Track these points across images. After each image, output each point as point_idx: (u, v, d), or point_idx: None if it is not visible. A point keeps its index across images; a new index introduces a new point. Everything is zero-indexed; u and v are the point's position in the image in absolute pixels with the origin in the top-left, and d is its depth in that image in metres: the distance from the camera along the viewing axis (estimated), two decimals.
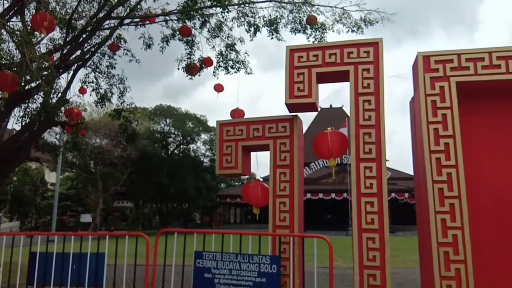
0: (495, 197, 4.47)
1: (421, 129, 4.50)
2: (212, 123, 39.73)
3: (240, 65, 11.37)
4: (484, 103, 4.69)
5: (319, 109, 5.27)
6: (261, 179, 5.59)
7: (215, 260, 4.92)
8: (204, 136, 41.38)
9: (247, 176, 6.88)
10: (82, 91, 10.92)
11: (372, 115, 4.65)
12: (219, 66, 11.38)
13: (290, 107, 5.07)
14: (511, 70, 4.36)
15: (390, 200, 30.60)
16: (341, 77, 4.96)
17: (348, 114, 4.85)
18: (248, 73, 11.57)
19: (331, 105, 44.71)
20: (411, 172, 5.47)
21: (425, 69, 4.56)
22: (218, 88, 11.37)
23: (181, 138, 40.34)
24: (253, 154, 5.79)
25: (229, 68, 11.35)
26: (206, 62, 10.98)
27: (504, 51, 4.41)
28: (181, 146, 41.43)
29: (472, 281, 4.04)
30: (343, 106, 42.41)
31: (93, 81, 11.07)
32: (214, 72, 11.41)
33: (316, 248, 4.76)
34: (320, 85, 5.14)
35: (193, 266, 5.04)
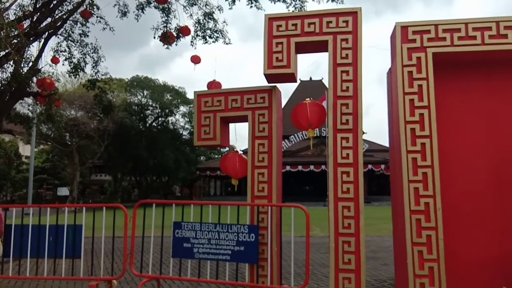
0: (466, 166, 4.62)
1: (397, 100, 4.55)
2: (191, 95, 39.10)
3: (218, 35, 11.13)
4: (459, 74, 4.76)
5: (298, 80, 5.24)
6: (241, 152, 5.59)
7: (194, 230, 4.96)
8: (183, 109, 40.89)
9: (227, 149, 6.87)
10: (54, 60, 10.51)
11: (350, 86, 4.66)
12: (197, 35, 11.10)
13: (269, 77, 5.03)
14: (486, 41, 4.42)
15: (366, 171, 31.33)
16: (320, 47, 4.91)
17: (328, 86, 4.83)
18: (227, 43, 11.35)
19: (311, 78, 44.73)
20: (387, 145, 5.57)
21: (402, 39, 4.57)
22: (195, 59, 11.15)
23: (159, 110, 39.75)
24: (231, 125, 5.76)
25: (207, 37, 11.09)
26: (183, 31, 10.69)
27: (480, 22, 4.45)
28: (160, 119, 40.90)
29: (442, 247, 4.21)
30: (322, 78, 42.50)
31: (65, 50, 10.65)
32: (191, 42, 11.14)
33: (293, 217, 4.84)
34: (299, 57, 5.11)
35: (172, 237, 5.07)
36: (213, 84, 8.76)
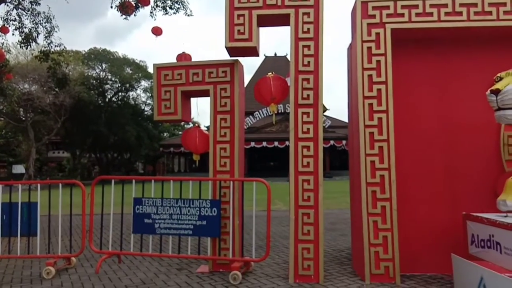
0: (420, 139, 4.82)
1: (357, 76, 4.64)
2: (152, 69, 38.12)
3: (179, 6, 10.77)
4: (416, 50, 4.89)
5: (261, 54, 5.20)
6: (205, 128, 5.53)
7: (155, 206, 4.92)
8: (144, 83, 39.72)
9: (191, 125, 6.74)
10: (3, 30, 9.84)
11: (311, 61, 4.68)
12: (157, 5, 10.70)
13: (230, 51, 4.95)
14: (442, 18, 4.54)
15: (329, 147, 32.08)
16: (282, 20, 4.86)
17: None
18: (188, 15, 11.03)
19: (275, 54, 44.51)
20: None
21: (362, 15, 4.61)
22: (156, 31, 10.77)
23: (119, 84, 38.39)
24: (193, 100, 5.67)
25: (168, 8, 10.71)
26: (142, 0, 10.25)
27: None
28: (120, 94, 39.58)
29: (396, 217, 4.43)
30: (287, 54, 42.41)
31: (15, 19, 9.98)
32: (151, 12, 10.74)
33: (255, 191, 4.90)
34: (264, 31, 5.06)
35: (132, 213, 5.01)
36: (183, 57, 8.52)
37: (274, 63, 40.45)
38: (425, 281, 4.42)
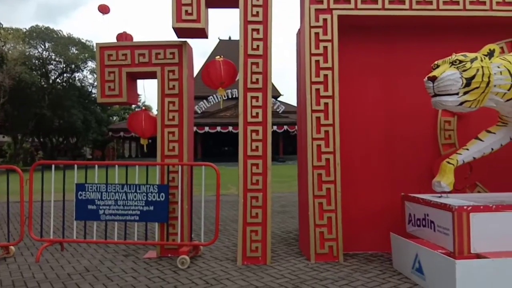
0: (363, 124, 5.00)
1: (305, 61, 4.69)
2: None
3: None
4: (362, 38, 5.02)
5: (215, 37, 5.15)
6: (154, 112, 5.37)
7: (99, 192, 4.75)
8: (91, 64, 37.73)
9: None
10: None
11: (260, 45, 4.67)
12: None
13: (178, 31, 4.82)
14: (387, 6, 4.68)
15: (282, 132, 32.53)
16: (231, 2, 4.78)
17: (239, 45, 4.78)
18: None
19: (230, 37, 43.99)
20: None
21: (311, 0, 4.65)
22: (103, 9, 10.25)
23: (64, 65, 36.26)
24: (140, 81, 5.49)
25: None
26: None
27: None
28: (65, 75, 37.45)
29: (340, 198, 4.60)
30: None
31: None
32: None
33: (204, 175, 4.87)
34: (218, 14, 4.96)
35: (74, 199, 4.81)
36: (123, 36, 8.15)
37: (228, 46, 39.98)
38: (367, 259, 4.64)
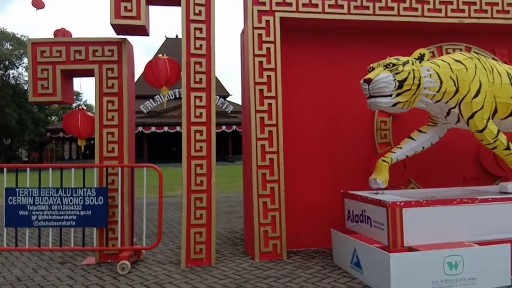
0: (306, 124, 5.13)
1: (248, 62, 4.71)
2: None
3: None
4: (303, 40, 5.14)
5: (161, 35, 5.00)
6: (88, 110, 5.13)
7: (31, 196, 4.45)
8: (27, 61, 35.37)
9: (85, 108, 6.16)
10: None
11: (203, 44, 4.62)
12: None
13: (117, 28, 4.64)
14: (326, 10, 4.83)
15: (231, 132, 32.53)
16: (172, 0, 4.70)
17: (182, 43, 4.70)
18: None
19: (177, 36, 43.19)
20: None
21: (253, 1, 4.68)
22: (37, 3, 9.63)
23: None
24: (76, 80, 5.23)
25: None
26: None
27: None
28: None
29: (283, 197, 4.67)
30: None
31: None
32: None
33: (145, 177, 4.73)
34: (165, 12, 4.84)
35: (4, 205, 4.48)
36: (61, 33, 7.72)
37: (175, 45, 39.24)
38: (309, 255, 4.76)
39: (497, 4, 5.14)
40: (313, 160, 5.12)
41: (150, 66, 5.16)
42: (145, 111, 32.61)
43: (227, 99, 37.76)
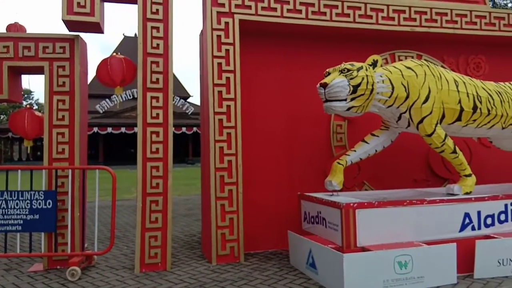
0: (264, 126, 5.15)
1: (207, 63, 4.67)
2: None
3: None
4: (263, 42, 5.17)
5: (120, 34, 4.84)
6: (35, 108, 4.87)
7: None
8: None
9: (36, 107, 5.84)
10: None
11: (161, 44, 4.53)
12: None
13: (69, 25, 4.46)
14: (285, 14, 4.88)
15: (192, 133, 32.15)
16: None
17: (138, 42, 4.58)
18: None
19: (135, 34, 42.12)
20: None
21: (212, 2, 4.65)
22: None
23: None
24: (24, 77, 4.96)
25: None
26: None
27: None
28: None
29: (241, 199, 4.65)
30: None
31: None
32: None
33: (98, 180, 4.56)
34: (124, 9, 4.68)
35: None
36: (15, 28, 7.28)
37: (133, 44, 38.31)
38: (266, 257, 4.78)
39: (446, 14, 5.42)
40: (271, 162, 5.15)
41: (104, 64, 4.99)
42: (101, 111, 31.48)
43: (188, 100, 37.31)
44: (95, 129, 29.95)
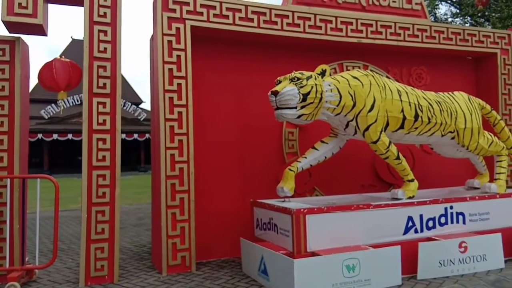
0: (217, 133, 5.13)
1: (157, 68, 4.59)
2: None
3: None
4: (215, 49, 5.17)
5: (67, 36, 4.65)
6: None
7: None
8: None
9: None
10: None
11: (108, 48, 4.39)
12: None
13: (9, 26, 4.22)
14: (237, 22, 4.91)
15: (144, 140, 31.33)
16: (75, 0, 4.41)
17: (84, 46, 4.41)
18: None
19: None
20: None
21: (163, 7, 4.58)
22: None
23: None
24: None
25: None
26: None
27: (232, 3, 4.89)
28: None
29: (193, 207, 4.58)
30: None
31: None
32: None
33: (39, 189, 4.31)
34: (72, 11, 4.47)
35: None
36: None
37: (82, 47, 36.84)
38: (219, 266, 4.73)
39: (390, 27, 5.70)
40: (224, 169, 5.13)
41: (47, 68, 4.77)
42: (47, 117, 29.86)
43: (140, 106, 36.38)
44: (40, 136, 28.39)
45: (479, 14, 19.54)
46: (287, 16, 5.17)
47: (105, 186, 4.29)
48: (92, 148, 4.28)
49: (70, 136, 29.87)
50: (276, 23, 5.10)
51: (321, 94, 4.11)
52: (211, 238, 4.94)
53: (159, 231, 4.52)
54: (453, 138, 4.97)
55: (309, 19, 5.24)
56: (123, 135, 28.62)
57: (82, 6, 4.33)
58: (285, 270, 3.60)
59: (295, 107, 3.99)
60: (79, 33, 39.48)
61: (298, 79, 4.04)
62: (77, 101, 28.72)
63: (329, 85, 4.23)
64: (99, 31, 4.35)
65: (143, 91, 67.03)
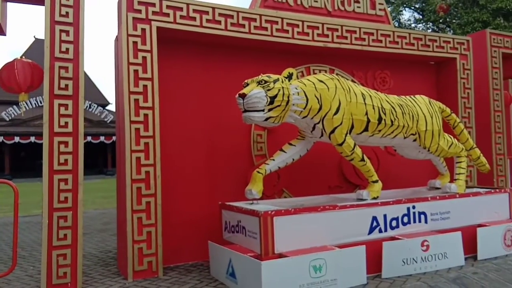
0: (184, 136, 5.08)
1: (122, 70, 4.50)
2: None
3: None
4: (183, 50, 5.12)
5: (30, 36, 4.45)
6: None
7: None
8: None
9: None
10: None
11: (70, 48, 4.26)
12: None
13: None
14: (204, 24, 4.88)
15: (111, 143, 30.60)
16: None
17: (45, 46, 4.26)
18: None
19: None
20: None
21: (128, 8, 4.50)
22: None
23: None
24: None
25: None
26: None
27: (200, 5, 4.86)
28: None
29: (160, 211, 4.51)
30: None
31: None
32: None
33: None
34: (33, 10, 4.30)
35: None
36: None
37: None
38: (187, 270, 4.68)
39: (355, 32, 5.83)
40: (192, 172, 5.08)
41: (8, 68, 4.58)
42: (8, 119, 28.62)
43: (107, 108, 35.50)
44: (0, 139, 27.19)
45: (440, 20, 20.36)
46: (255, 19, 5.19)
47: (67, 191, 4.15)
48: (53, 151, 4.13)
49: (32, 139, 28.71)
50: (243, 26, 5.11)
51: (288, 97, 4.15)
52: (179, 242, 4.88)
53: (125, 236, 4.42)
54: (415, 140, 5.14)
55: (276, 22, 5.28)
56: (89, 138, 27.84)
57: (43, 5, 4.19)
58: (253, 273, 3.61)
59: (263, 110, 4.01)
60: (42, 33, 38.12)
61: (266, 82, 4.06)
62: (40, 103, 27.67)
63: (296, 88, 4.28)
64: (61, 31, 4.21)
65: (110, 92, 65.43)
